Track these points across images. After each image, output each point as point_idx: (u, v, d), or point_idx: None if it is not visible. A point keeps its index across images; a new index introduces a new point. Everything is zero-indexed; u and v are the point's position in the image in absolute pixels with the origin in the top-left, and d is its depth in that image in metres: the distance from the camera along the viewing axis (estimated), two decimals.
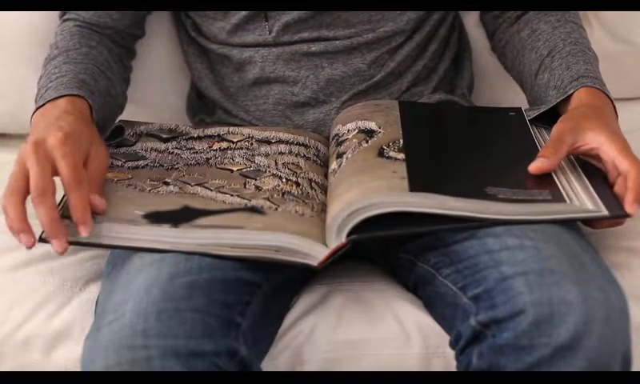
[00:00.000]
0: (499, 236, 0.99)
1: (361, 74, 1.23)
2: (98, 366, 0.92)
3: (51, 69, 1.16)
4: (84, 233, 0.98)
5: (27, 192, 0.99)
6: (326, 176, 1.11)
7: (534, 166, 1.03)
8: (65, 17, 1.24)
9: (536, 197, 1.00)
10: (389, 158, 1.06)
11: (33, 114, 1.11)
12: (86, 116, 1.10)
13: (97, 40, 1.22)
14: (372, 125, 1.12)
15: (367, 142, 1.10)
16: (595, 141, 1.04)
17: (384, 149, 1.07)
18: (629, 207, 1.00)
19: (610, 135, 1.04)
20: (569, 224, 1.03)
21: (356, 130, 1.13)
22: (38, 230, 1.01)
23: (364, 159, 1.07)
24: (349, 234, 0.97)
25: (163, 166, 1.13)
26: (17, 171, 1.00)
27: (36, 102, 1.14)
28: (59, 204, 1.02)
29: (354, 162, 1.07)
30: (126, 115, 1.25)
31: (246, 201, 1.05)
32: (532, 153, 1.05)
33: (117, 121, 1.22)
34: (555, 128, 1.06)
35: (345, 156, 1.09)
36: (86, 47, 1.20)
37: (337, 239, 0.98)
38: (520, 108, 1.20)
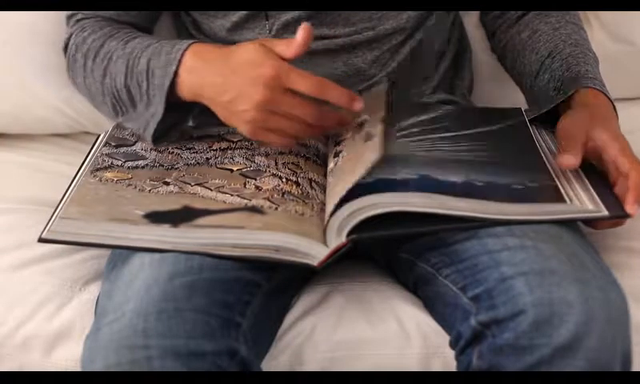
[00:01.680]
0: (499, 236, 0.99)
1: (361, 74, 1.23)
2: (98, 366, 0.92)
3: (136, 51, 1.14)
4: (360, 106, 1.04)
5: None
6: (325, 176, 1.11)
7: (563, 162, 1.03)
8: (79, 17, 1.24)
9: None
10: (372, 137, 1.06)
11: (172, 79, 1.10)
12: (220, 49, 1.11)
13: (124, 26, 1.22)
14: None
15: (359, 133, 1.10)
16: (599, 139, 1.04)
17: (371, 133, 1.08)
18: (629, 207, 1.00)
19: (610, 135, 1.04)
20: (569, 224, 1.03)
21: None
22: (38, 230, 1.01)
23: (357, 154, 1.07)
24: (349, 234, 0.97)
25: (163, 166, 1.13)
26: (269, 122, 1.05)
27: (150, 84, 1.12)
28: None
29: (349, 160, 1.07)
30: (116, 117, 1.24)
31: (246, 201, 1.05)
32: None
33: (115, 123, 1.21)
34: (565, 125, 1.06)
35: (341, 154, 1.09)
36: (132, 31, 1.21)
37: (337, 239, 0.98)
38: (520, 108, 1.20)
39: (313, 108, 1.04)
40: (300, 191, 1.07)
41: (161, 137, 1.14)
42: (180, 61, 1.09)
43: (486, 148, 1.10)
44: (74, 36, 1.23)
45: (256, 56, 1.04)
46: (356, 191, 0.99)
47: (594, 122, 1.06)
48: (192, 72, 1.09)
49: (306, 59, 1.22)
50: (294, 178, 1.09)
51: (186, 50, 1.10)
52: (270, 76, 1.03)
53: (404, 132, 1.13)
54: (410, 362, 1.08)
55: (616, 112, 1.14)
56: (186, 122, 1.17)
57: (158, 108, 1.11)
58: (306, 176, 1.11)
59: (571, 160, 1.03)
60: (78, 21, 1.24)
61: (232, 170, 1.12)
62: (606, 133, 1.04)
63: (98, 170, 1.12)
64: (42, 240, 1.00)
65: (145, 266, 0.98)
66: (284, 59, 1.04)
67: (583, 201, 1.01)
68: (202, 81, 1.08)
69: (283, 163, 1.12)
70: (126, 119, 1.17)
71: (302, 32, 1.04)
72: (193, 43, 1.11)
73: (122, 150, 1.16)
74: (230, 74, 1.06)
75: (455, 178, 1.03)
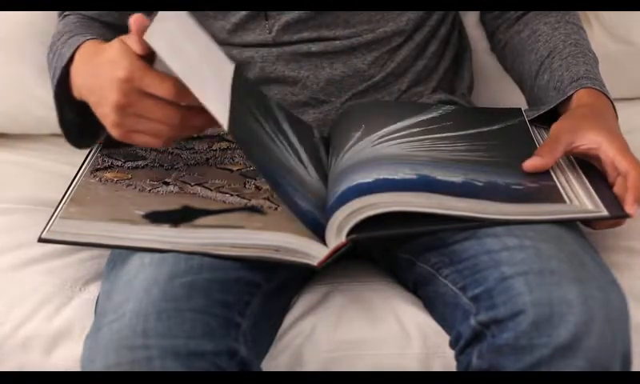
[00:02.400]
0: (499, 236, 0.99)
1: (361, 74, 1.23)
2: (98, 366, 0.92)
3: (59, 45, 1.15)
4: None
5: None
6: (326, 176, 1.11)
7: (529, 164, 1.04)
8: (65, 13, 1.25)
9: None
10: None
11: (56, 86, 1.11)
12: (96, 41, 1.10)
13: (98, 25, 1.22)
14: None
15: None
16: (594, 141, 1.04)
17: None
18: (629, 207, 1.00)
19: (608, 135, 1.04)
20: (569, 224, 1.03)
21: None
22: (38, 230, 1.01)
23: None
24: (349, 234, 0.97)
25: (163, 166, 1.13)
26: (129, 124, 1.01)
27: (54, 75, 1.13)
28: (66, 192, 1.03)
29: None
30: None
31: (245, 200, 1.05)
32: (532, 153, 1.05)
33: None
34: (553, 128, 1.07)
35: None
36: (90, 29, 1.20)
37: (337, 239, 0.98)
38: (520, 108, 1.20)
39: (172, 110, 1.00)
40: None
41: (81, 139, 1.15)
42: (72, 59, 1.10)
43: (485, 148, 1.10)
44: (54, 34, 1.23)
45: (115, 55, 1.01)
46: (356, 191, 0.99)
47: (588, 123, 1.06)
48: (75, 72, 1.09)
49: (305, 60, 1.22)
50: None
51: (76, 50, 1.10)
52: (123, 78, 1.00)
53: (404, 132, 1.13)
54: (409, 362, 1.08)
55: (616, 112, 1.14)
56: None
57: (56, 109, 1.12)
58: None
59: (537, 162, 1.03)
60: (64, 18, 1.24)
61: (232, 170, 1.12)
62: (602, 133, 1.04)
63: (97, 170, 1.12)
64: (41, 240, 1.00)
65: (145, 266, 0.98)
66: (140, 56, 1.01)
67: (583, 201, 1.01)
68: (79, 81, 1.08)
69: None
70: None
71: (132, 24, 1.00)
72: (85, 41, 1.10)
73: (122, 150, 1.16)
74: (93, 75, 1.04)
75: (455, 178, 1.03)
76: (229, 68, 1.08)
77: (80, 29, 1.19)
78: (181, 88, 0.98)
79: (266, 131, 1.07)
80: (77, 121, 1.14)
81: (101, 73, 1.02)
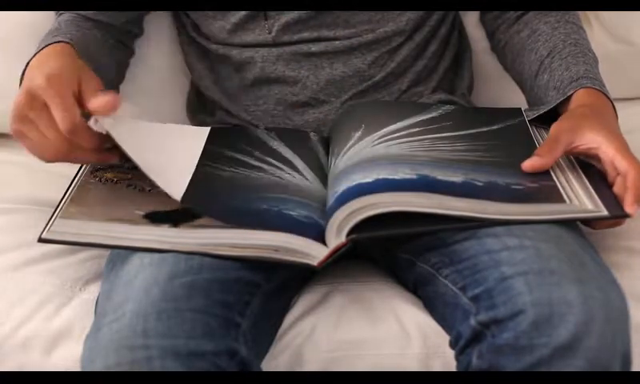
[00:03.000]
0: (499, 236, 0.99)
1: (361, 74, 1.23)
2: (98, 366, 0.92)
3: (40, 44, 1.15)
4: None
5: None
6: (325, 177, 1.11)
7: (528, 164, 1.04)
8: (60, 13, 1.25)
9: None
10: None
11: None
12: (70, 52, 1.09)
13: (89, 25, 1.22)
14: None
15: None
16: (593, 141, 1.04)
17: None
18: (628, 207, 1.00)
19: (608, 135, 1.04)
20: (569, 224, 1.03)
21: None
22: (38, 230, 1.01)
23: (355, 152, 1.08)
24: (349, 234, 0.97)
25: None
26: (22, 126, 1.01)
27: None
28: (66, 192, 1.04)
29: (349, 158, 1.07)
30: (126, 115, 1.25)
31: None
32: (531, 153, 1.05)
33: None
34: (553, 127, 1.07)
35: (337, 153, 1.10)
36: (76, 26, 1.20)
37: (337, 239, 0.98)
38: (519, 108, 1.20)
39: (61, 138, 1.00)
40: None
41: None
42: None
43: (485, 148, 1.10)
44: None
45: (40, 63, 1.04)
46: (356, 191, 0.99)
47: (588, 123, 1.06)
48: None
49: (305, 60, 1.22)
50: None
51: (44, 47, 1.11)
52: (37, 85, 1.00)
53: (404, 132, 1.13)
54: (410, 362, 1.08)
55: (616, 112, 1.14)
56: None
57: None
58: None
59: (536, 162, 1.03)
60: (59, 16, 1.24)
61: None
62: (602, 133, 1.04)
63: (98, 170, 1.12)
64: (41, 240, 1.00)
65: (144, 266, 0.98)
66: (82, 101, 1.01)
67: (583, 201, 1.01)
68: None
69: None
70: None
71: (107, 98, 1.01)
72: (53, 43, 1.11)
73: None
74: (27, 74, 1.05)
75: (455, 177, 1.03)
76: (201, 134, 1.15)
77: (67, 28, 1.19)
78: (75, 129, 0.99)
79: (249, 164, 1.11)
80: None
81: (34, 66, 1.05)
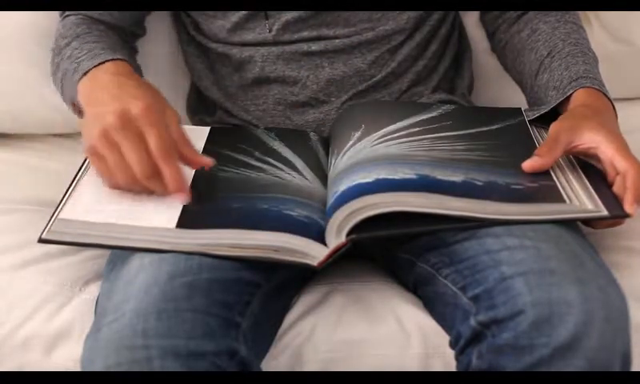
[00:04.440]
0: (499, 236, 0.99)
1: (361, 74, 1.23)
2: (97, 366, 0.92)
3: (70, 52, 1.16)
4: (185, 201, 1.01)
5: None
6: (325, 176, 1.11)
7: (528, 164, 1.04)
8: (65, 14, 1.25)
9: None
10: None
11: (64, 93, 1.13)
12: (140, 78, 1.10)
13: (103, 28, 1.22)
14: None
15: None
16: (592, 140, 1.04)
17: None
18: (628, 207, 1.00)
19: (607, 135, 1.04)
20: (568, 224, 1.03)
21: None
22: (38, 230, 1.01)
23: (355, 152, 1.08)
24: (348, 234, 0.97)
25: None
26: (104, 146, 1.00)
27: (63, 87, 1.15)
28: (66, 192, 1.04)
29: (349, 158, 1.07)
30: None
31: None
32: (531, 153, 1.05)
33: None
34: (552, 127, 1.06)
35: (337, 153, 1.10)
36: (97, 31, 1.20)
37: (337, 239, 0.98)
38: (519, 108, 1.20)
39: (147, 163, 0.99)
40: None
41: None
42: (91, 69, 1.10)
43: (485, 147, 1.10)
44: (55, 33, 1.23)
45: (141, 90, 1.04)
46: (356, 191, 0.99)
47: (587, 122, 1.06)
48: (92, 79, 1.09)
49: (305, 60, 1.22)
50: None
51: (106, 62, 1.10)
52: (136, 110, 1.00)
53: (404, 131, 1.13)
54: (410, 362, 1.08)
55: (615, 112, 1.14)
56: None
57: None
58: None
59: (536, 162, 1.03)
60: (65, 18, 1.24)
61: None
62: (601, 133, 1.04)
63: None
64: (41, 240, 1.00)
65: (144, 266, 0.98)
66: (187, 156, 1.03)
67: (582, 201, 1.01)
68: (89, 89, 1.08)
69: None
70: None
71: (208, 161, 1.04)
72: (116, 60, 1.11)
73: None
74: (112, 91, 1.04)
75: (455, 177, 1.03)
76: (200, 134, 1.15)
77: (86, 32, 1.19)
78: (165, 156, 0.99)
79: (249, 164, 1.10)
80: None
81: (112, 95, 1.03)
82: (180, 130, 1.03)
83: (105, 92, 1.05)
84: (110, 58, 1.10)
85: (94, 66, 1.10)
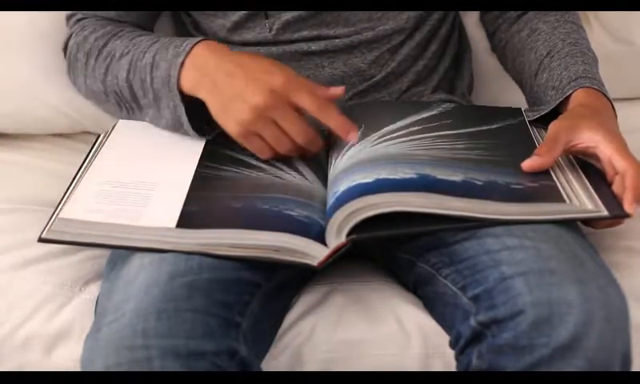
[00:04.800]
0: (499, 236, 0.99)
1: (361, 74, 1.23)
2: (98, 366, 0.92)
3: (143, 40, 1.16)
4: (355, 137, 1.08)
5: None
6: (325, 176, 1.11)
7: (527, 164, 1.04)
8: (78, 16, 1.24)
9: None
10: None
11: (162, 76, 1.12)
12: (241, 51, 1.14)
13: (129, 28, 1.23)
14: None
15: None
16: (591, 139, 1.04)
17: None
18: (628, 207, 1.00)
19: (606, 134, 1.04)
20: (568, 224, 1.03)
21: None
22: (38, 230, 1.01)
23: (355, 152, 1.08)
24: (348, 234, 0.97)
25: None
26: (262, 126, 1.06)
27: (134, 85, 1.15)
28: (66, 192, 1.04)
29: (349, 158, 1.07)
30: (125, 116, 1.25)
31: None
32: (531, 153, 1.05)
33: (118, 122, 1.22)
34: (551, 127, 1.07)
35: (337, 153, 1.10)
36: (129, 28, 1.22)
37: (337, 239, 0.98)
38: (520, 108, 1.20)
39: (307, 129, 1.07)
40: None
41: (204, 126, 1.14)
42: (188, 53, 1.10)
43: (485, 147, 1.10)
44: (74, 36, 1.23)
45: (270, 65, 1.08)
46: (356, 191, 0.99)
47: (586, 122, 1.06)
48: (197, 64, 1.10)
49: (306, 59, 1.22)
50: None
51: (196, 44, 1.11)
52: (279, 83, 1.05)
53: (404, 131, 1.13)
54: (410, 362, 1.08)
55: (615, 112, 1.14)
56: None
57: (175, 100, 1.11)
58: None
59: (535, 162, 1.03)
60: (79, 20, 1.24)
61: None
62: (600, 132, 1.04)
63: None
64: (41, 240, 1.00)
65: (145, 266, 0.98)
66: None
67: (582, 200, 1.01)
68: (205, 72, 1.09)
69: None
70: (149, 119, 1.17)
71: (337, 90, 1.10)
72: (205, 39, 1.12)
73: None
74: (238, 70, 1.07)
75: (455, 177, 1.03)
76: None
77: (129, 31, 1.20)
78: (326, 109, 1.06)
79: (249, 164, 1.10)
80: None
81: (250, 72, 1.06)
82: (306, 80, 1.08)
83: (224, 74, 1.07)
84: (195, 41, 1.12)
85: (188, 53, 1.10)
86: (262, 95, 1.04)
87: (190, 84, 1.10)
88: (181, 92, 1.11)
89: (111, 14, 1.23)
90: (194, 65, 1.10)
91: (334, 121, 1.07)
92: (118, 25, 1.22)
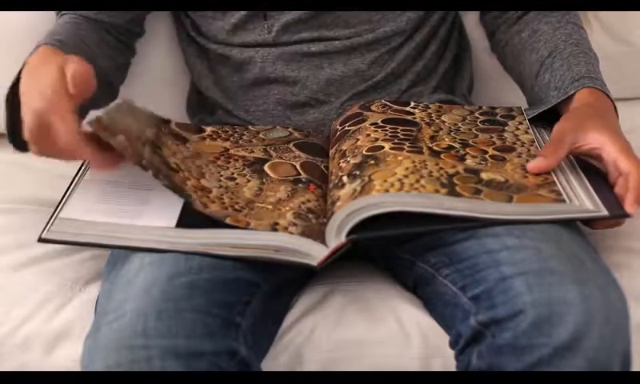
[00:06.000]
0: (499, 236, 0.99)
1: (361, 75, 1.23)
2: (98, 366, 0.92)
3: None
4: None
5: None
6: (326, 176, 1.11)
7: (533, 165, 1.04)
8: (62, 13, 1.25)
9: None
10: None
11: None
12: (51, 51, 1.08)
13: (89, 27, 1.22)
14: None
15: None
16: (597, 141, 1.04)
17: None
18: (629, 207, 1.00)
19: (611, 135, 1.04)
20: (568, 224, 1.03)
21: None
22: (38, 230, 1.01)
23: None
24: (348, 234, 0.97)
25: None
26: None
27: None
28: (66, 192, 1.05)
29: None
30: None
31: None
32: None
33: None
34: (556, 127, 1.06)
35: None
36: (76, 27, 1.20)
37: (337, 239, 0.98)
38: (520, 107, 1.20)
39: (76, 143, 0.99)
40: None
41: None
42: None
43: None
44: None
45: (48, 79, 1.01)
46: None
47: (591, 123, 1.06)
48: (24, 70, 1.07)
49: (305, 60, 1.22)
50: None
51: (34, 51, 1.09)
52: (35, 107, 0.99)
53: None
54: (410, 362, 1.08)
55: (617, 112, 1.14)
56: None
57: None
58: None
59: (541, 163, 1.03)
60: (60, 17, 1.24)
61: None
62: (605, 133, 1.04)
63: None
64: (41, 240, 1.00)
65: (145, 266, 0.98)
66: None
67: (583, 201, 1.01)
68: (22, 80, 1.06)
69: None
70: None
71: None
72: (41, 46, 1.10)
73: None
74: (32, 78, 1.04)
75: None
76: None
77: (65, 30, 1.18)
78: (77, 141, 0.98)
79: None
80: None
81: (34, 83, 1.02)
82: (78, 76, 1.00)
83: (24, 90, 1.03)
84: (42, 43, 1.10)
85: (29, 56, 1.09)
86: (29, 121, 0.99)
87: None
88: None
89: (88, 13, 1.22)
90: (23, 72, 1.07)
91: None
92: (83, 26, 1.21)
